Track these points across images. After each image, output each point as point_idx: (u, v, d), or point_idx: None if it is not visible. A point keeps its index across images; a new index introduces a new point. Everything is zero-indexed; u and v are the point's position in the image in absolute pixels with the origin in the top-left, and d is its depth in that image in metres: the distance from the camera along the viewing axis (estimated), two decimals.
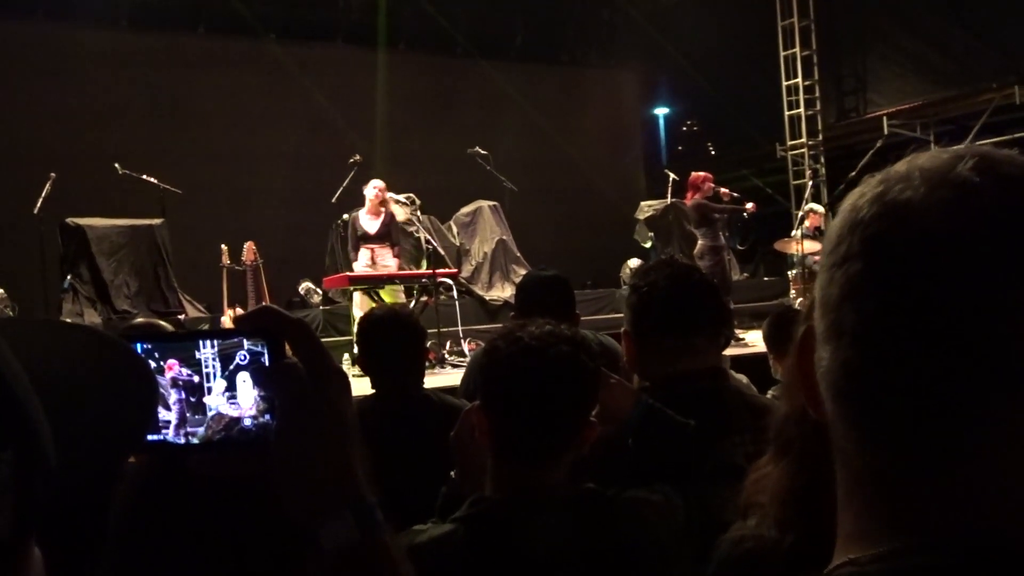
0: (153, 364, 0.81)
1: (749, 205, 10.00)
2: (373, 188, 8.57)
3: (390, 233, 8.71)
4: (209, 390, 0.82)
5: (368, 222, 8.56)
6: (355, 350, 8.12)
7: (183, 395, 0.82)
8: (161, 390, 0.81)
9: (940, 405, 0.55)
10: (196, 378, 0.82)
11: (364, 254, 8.52)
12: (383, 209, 8.60)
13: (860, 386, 0.58)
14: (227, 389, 0.82)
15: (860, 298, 0.58)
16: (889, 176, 0.61)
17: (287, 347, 0.81)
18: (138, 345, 0.81)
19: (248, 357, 0.81)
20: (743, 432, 1.96)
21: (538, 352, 1.66)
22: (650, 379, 2.12)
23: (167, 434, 0.82)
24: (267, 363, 0.80)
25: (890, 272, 0.57)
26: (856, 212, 0.60)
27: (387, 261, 8.65)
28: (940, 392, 0.55)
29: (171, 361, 0.81)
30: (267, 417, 0.80)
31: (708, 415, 1.97)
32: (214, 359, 0.82)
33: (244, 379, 0.81)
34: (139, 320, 3.93)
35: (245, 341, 0.81)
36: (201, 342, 0.82)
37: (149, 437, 0.82)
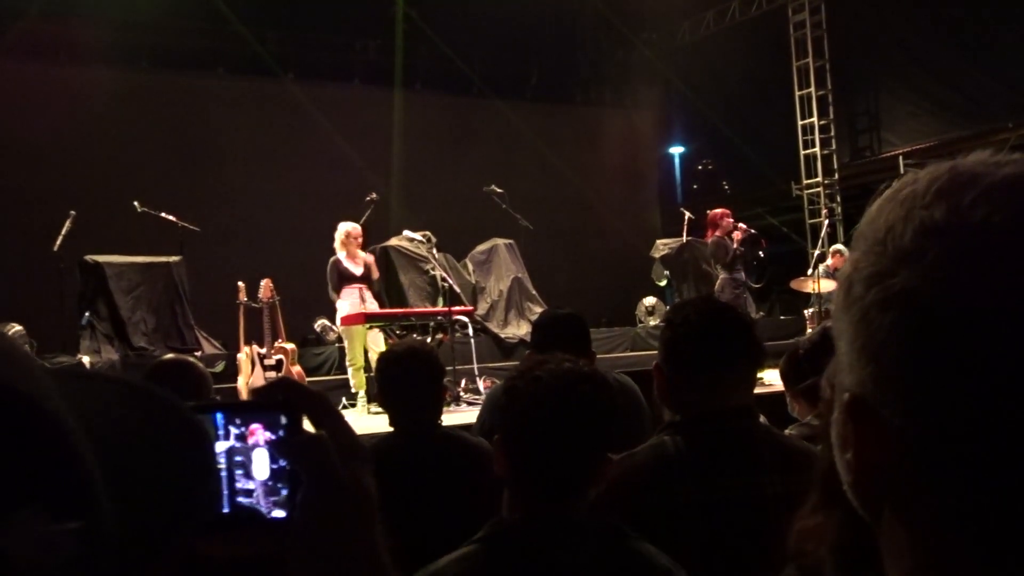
0: (236, 430, 0.79)
1: (735, 233, 9.88)
2: (345, 234, 8.69)
3: (369, 275, 8.83)
4: None
5: (350, 264, 8.67)
6: (358, 387, 8.24)
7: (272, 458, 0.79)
8: (241, 457, 0.79)
9: None
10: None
11: (352, 293, 8.61)
12: (359, 252, 8.71)
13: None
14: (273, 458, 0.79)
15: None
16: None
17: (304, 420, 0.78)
18: (219, 414, 0.79)
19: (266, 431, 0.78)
20: (771, 472, 1.97)
21: (556, 391, 1.69)
22: (681, 414, 2.13)
23: (256, 501, 0.79)
24: (284, 436, 0.78)
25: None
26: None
27: (372, 301, 8.79)
28: None
29: (254, 426, 0.78)
30: (283, 493, 0.78)
31: (736, 453, 1.99)
32: None
33: (259, 454, 0.78)
34: (168, 356, 3.89)
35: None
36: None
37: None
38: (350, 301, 8.61)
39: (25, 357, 0.52)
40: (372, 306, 8.74)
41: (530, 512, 1.70)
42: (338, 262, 8.69)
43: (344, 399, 8.44)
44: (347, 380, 8.57)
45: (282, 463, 0.78)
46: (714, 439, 2.01)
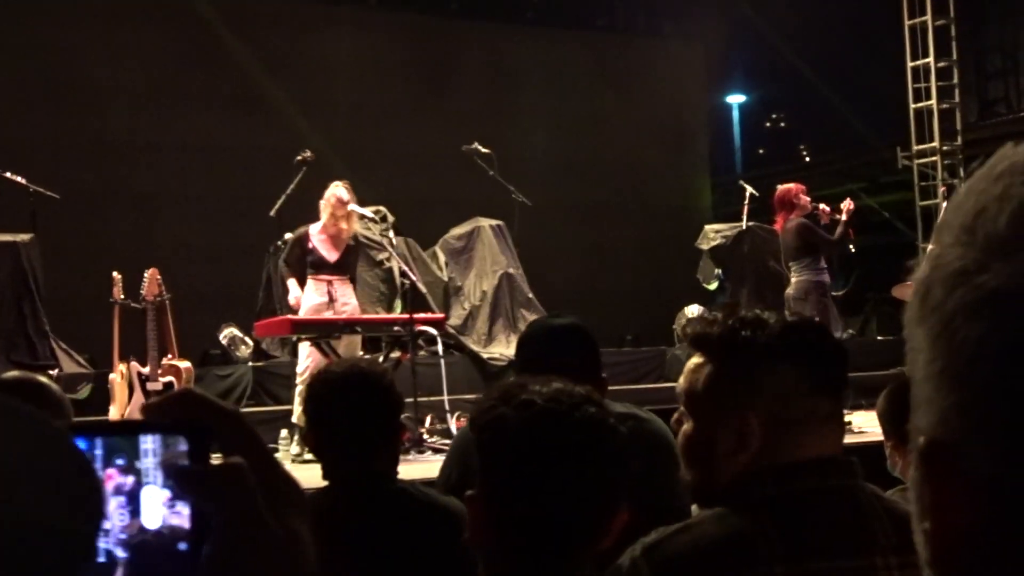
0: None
1: (830, 217, 9.90)
2: (330, 198, 8.58)
3: (350, 262, 8.80)
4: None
5: (323, 244, 8.59)
6: (295, 422, 8.20)
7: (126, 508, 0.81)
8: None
9: None
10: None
11: (318, 287, 8.56)
12: (344, 227, 8.61)
13: None
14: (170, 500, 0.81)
15: None
16: None
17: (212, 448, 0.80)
18: (84, 441, 0.79)
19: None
20: (887, 552, 1.98)
21: (558, 416, 1.77)
22: (754, 467, 2.10)
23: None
24: (189, 467, 0.79)
25: None
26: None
27: (348, 299, 8.73)
28: None
29: (110, 471, 0.79)
30: (180, 548, 0.79)
31: (838, 524, 2.00)
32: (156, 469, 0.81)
33: (150, 493, 0.79)
34: (12, 375, 3.89)
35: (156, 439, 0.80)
36: (141, 439, 0.80)
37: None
38: (314, 298, 8.57)
39: None
40: (349, 308, 8.68)
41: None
42: (303, 238, 8.66)
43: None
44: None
45: (176, 509, 0.78)
46: (807, 504, 2.00)
